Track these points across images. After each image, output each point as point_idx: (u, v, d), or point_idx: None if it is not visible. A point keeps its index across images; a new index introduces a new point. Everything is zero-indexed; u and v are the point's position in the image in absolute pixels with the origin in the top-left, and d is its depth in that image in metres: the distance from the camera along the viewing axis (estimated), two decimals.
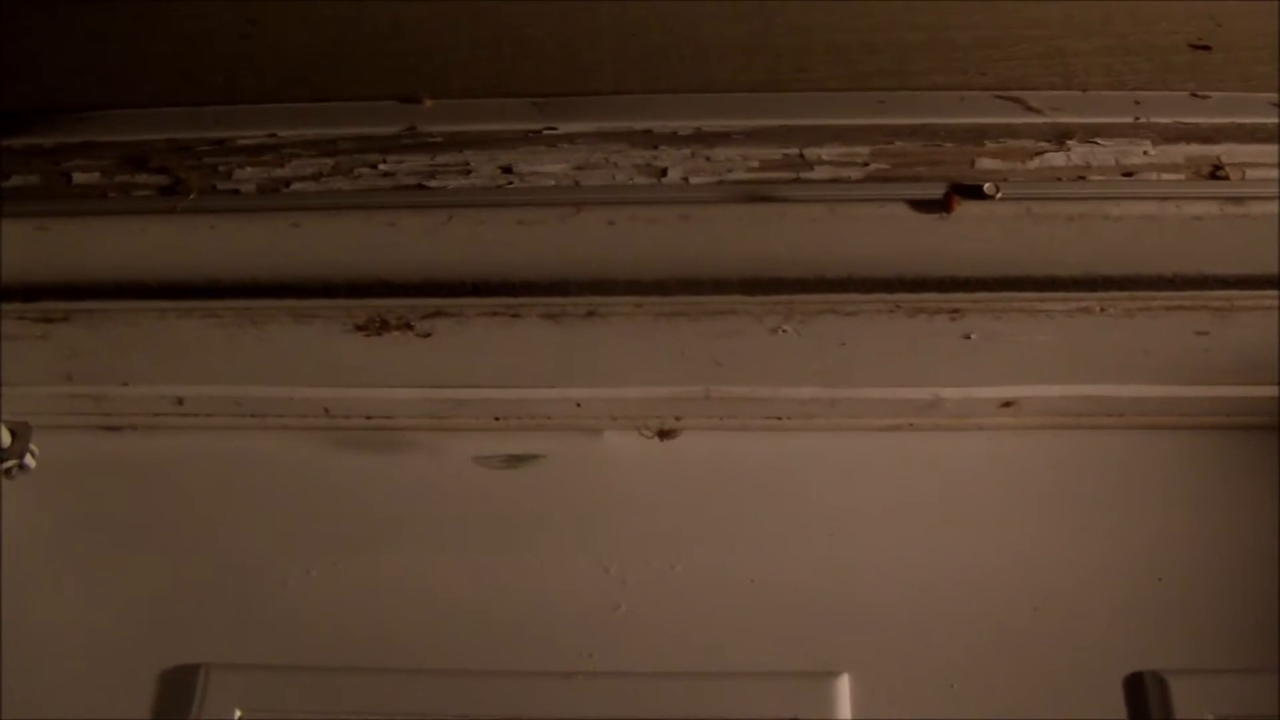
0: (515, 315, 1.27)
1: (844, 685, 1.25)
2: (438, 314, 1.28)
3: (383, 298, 1.26)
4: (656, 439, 1.37)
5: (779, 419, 1.39)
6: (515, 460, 1.40)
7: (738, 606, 1.32)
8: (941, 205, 1.15)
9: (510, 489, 1.40)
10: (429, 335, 1.30)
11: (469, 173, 1.18)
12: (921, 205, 1.16)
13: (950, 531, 1.34)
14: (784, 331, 1.26)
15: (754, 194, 1.17)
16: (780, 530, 1.35)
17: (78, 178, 1.20)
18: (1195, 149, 1.17)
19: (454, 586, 1.34)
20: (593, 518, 1.38)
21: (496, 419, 1.41)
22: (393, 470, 1.42)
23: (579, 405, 1.38)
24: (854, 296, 1.22)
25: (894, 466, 1.39)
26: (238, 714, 1.25)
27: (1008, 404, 1.36)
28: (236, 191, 1.19)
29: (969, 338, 1.27)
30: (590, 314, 1.26)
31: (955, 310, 1.24)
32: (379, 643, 1.31)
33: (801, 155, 1.17)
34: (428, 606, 1.33)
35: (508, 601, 1.33)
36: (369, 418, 1.42)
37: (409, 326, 1.30)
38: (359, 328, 1.31)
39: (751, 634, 1.30)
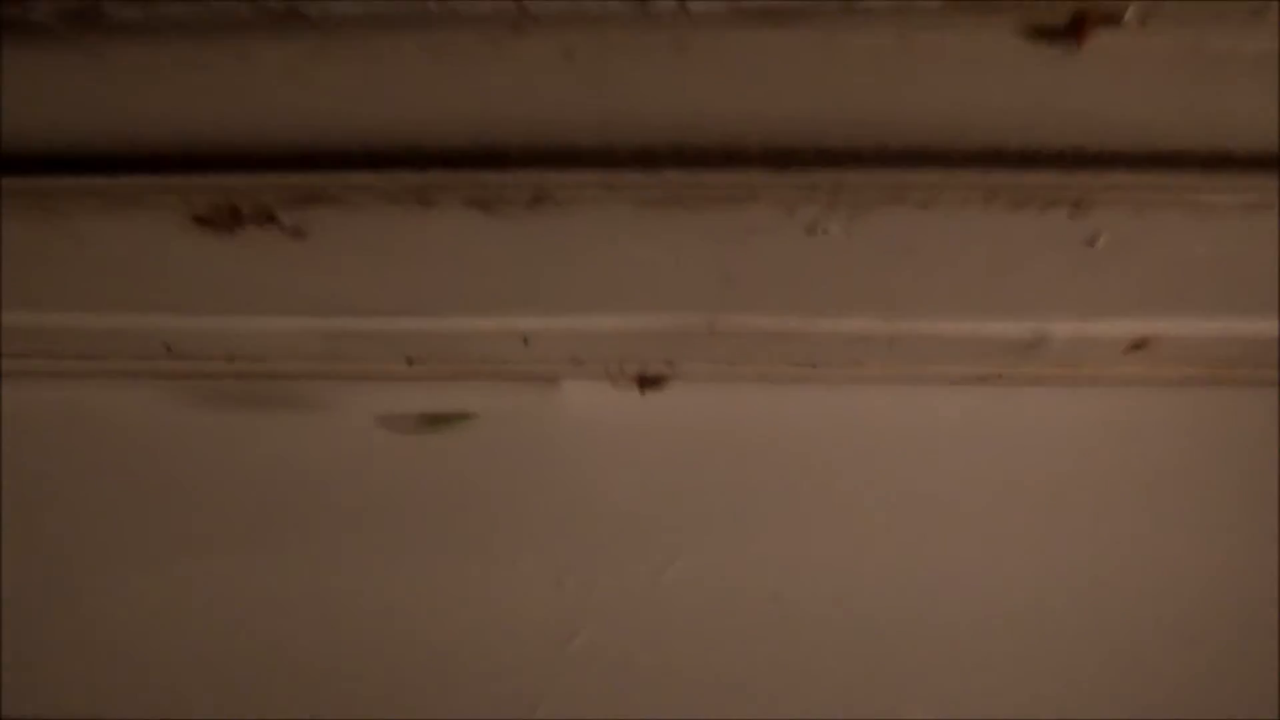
0: (427, 202, 0.89)
1: None
2: (313, 199, 0.90)
3: (231, 173, 0.88)
4: (636, 390, 1.00)
5: (813, 365, 1.02)
6: (436, 422, 1.04)
7: (753, 634, 0.98)
8: (1068, 34, 0.79)
9: (428, 463, 1.04)
10: (302, 234, 0.92)
11: None
12: (1037, 34, 0.79)
13: (1056, 526, 1.01)
14: (825, 231, 0.89)
15: (782, 14, 0.80)
16: (814, 525, 1.02)
17: None
18: None
19: (341, 603, 1.00)
20: (544, 505, 1.03)
21: (409, 361, 1.04)
22: (265, 436, 1.06)
23: (526, 342, 1.00)
24: (930, 176, 0.85)
25: (975, 435, 1.04)
26: None
27: (1139, 344, 1.00)
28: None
29: (1095, 244, 0.90)
30: (537, 199, 0.88)
31: (1078, 201, 0.87)
32: (231, 684, 0.97)
33: None
34: (301, 632, 0.99)
35: (420, 625, 0.99)
36: (230, 359, 1.05)
37: (272, 219, 0.92)
38: (200, 220, 0.92)
39: (772, 674, 0.96)
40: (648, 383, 0.99)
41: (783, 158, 0.86)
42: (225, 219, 0.92)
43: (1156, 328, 0.99)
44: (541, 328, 1.00)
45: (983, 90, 0.83)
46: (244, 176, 0.88)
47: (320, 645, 0.99)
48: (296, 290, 0.99)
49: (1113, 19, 0.79)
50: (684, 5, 0.77)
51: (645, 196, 0.88)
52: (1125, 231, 0.90)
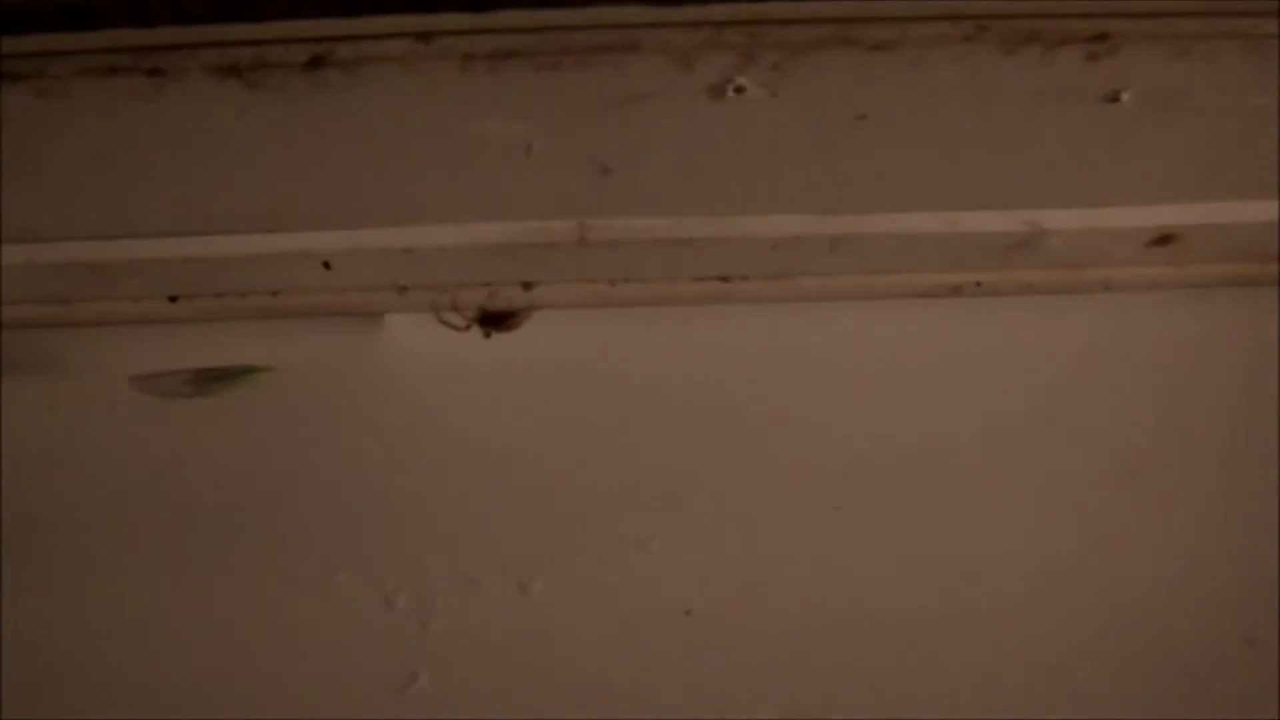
0: (156, 72, 0.62)
1: None
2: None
3: None
4: (478, 331, 0.74)
5: (724, 280, 0.76)
6: (211, 379, 0.76)
7: (660, 663, 0.73)
8: None
9: (203, 439, 0.76)
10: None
11: None
12: None
13: (1052, 468, 0.77)
14: (738, 90, 0.63)
15: None
16: (736, 504, 0.75)
17: None
18: None
19: (91, 635, 0.74)
20: (363, 493, 0.76)
21: (171, 298, 0.76)
22: None
23: (327, 266, 0.73)
24: (890, 4, 0.60)
25: (946, 362, 0.77)
26: None
27: (1164, 239, 0.75)
28: None
29: (1118, 99, 0.65)
30: (317, 62, 0.61)
31: (1101, 37, 0.61)
32: None
33: None
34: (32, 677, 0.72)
35: (199, 671, 0.73)
36: None
37: None
38: None
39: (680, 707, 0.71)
40: (495, 319, 0.71)
41: None
42: None
43: (1189, 215, 0.75)
44: (346, 247, 0.72)
45: None
46: None
47: (50, 685, 0.74)
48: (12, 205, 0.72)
49: None
50: None
51: (474, 49, 0.62)
52: (1157, 81, 0.66)
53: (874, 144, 0.68)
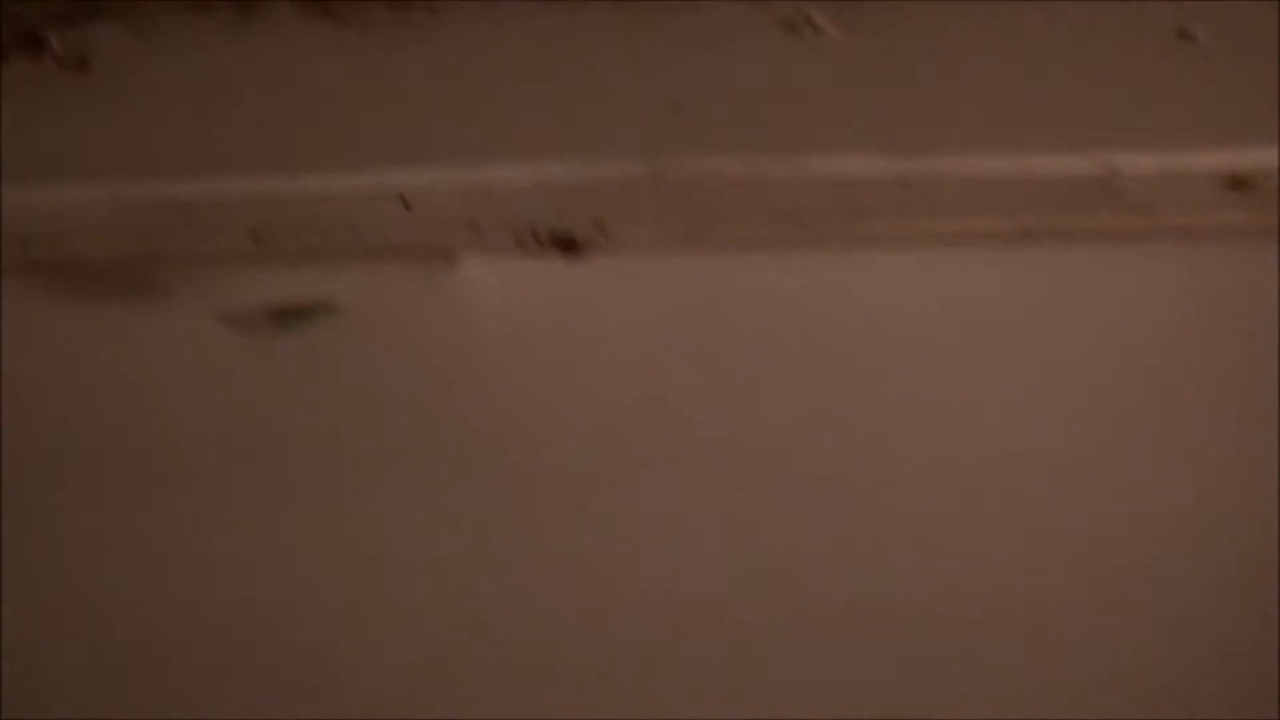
0: (244, 7, 0.66)
1: None
2: (92, 14, 0.66)
3: None
4: (554, 258, 0.75)
5: (796, 224, 0.77)
6: (290, 316, 0.80)
7: (720, 587, 0.76)
8: None
9: (282, 373, 0.79)
10: (85, 64, 0.69)
11: None
12: None
13: (1128, 421, 0.78)
14: (813, 28, 0.66)
15: None
16: (814, 452, 0.78)
17: None
18: None
19: (163, 563, 0.79)
20: (435, 426, 0.79)
21: (255, 239, 0.80)
22: (71, 340, 0.80)
23: (405, 204, 0.76)
24: None
25: (1018, 309, 0.78)
26: None
27: (1238, 183, 0.77)
28: None
29: (1189, 35, 0.67)
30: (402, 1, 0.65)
31: None
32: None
33: None
34: (116, 600, 0.78)
35: (268, 595, 0.78)
36: (24, 245, 0.78)
37: (37, 44, 0.68)
38: None
39: (751, 645, 0.76)
40: (568, 246, 0.75)
41: None
42: None
43: (1264, 160, 0.76)
44: (425, 184, 0.74)
45: None
46: None
47: (138, 617, 0.79)
48: (90, 144, 0.75)
49: None
50: None
51: None
52: (1233, 19, 0.67)
53: (944, 83, 0.70)
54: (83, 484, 0.80)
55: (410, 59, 0.70)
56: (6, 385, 0.81)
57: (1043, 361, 0.78)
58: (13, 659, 0.79)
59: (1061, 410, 0.78)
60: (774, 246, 0.79)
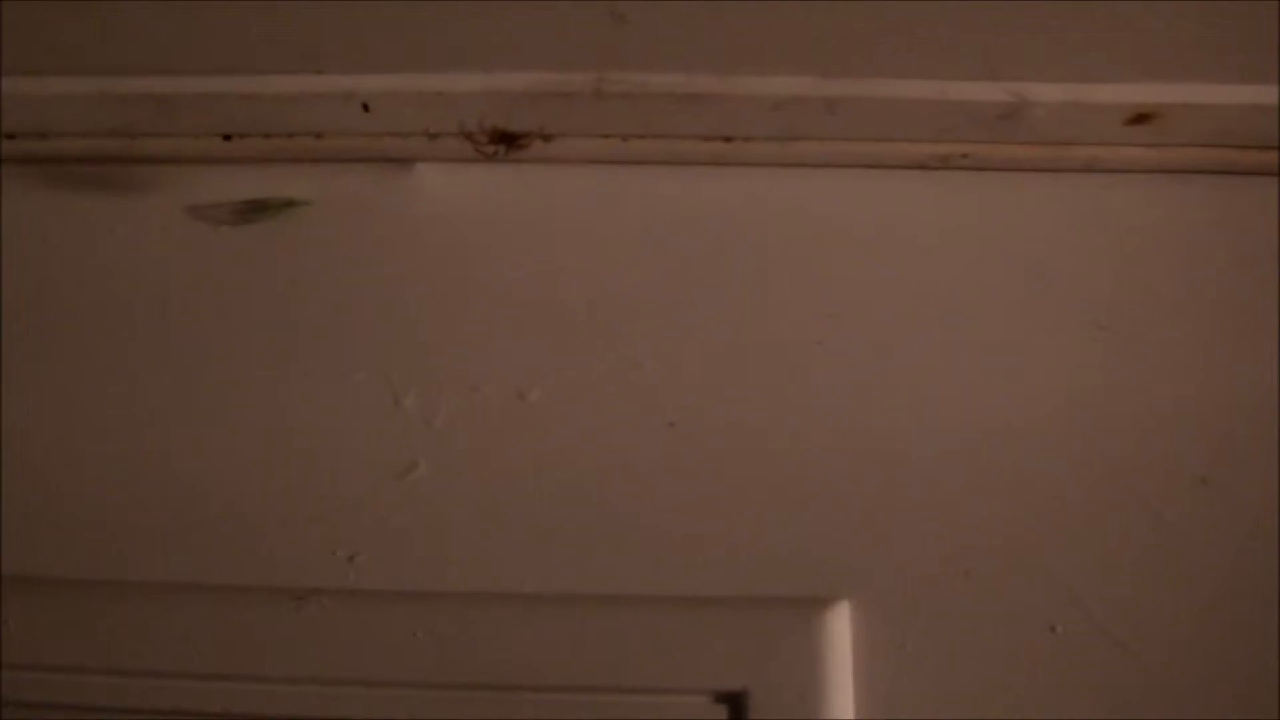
0: None
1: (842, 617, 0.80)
2: None
3: None
4: (493, 150, 0.81)
5: (728, 140, 0.83)
6: (256, 209, 0.85)
7: (640, 470, 0.81)
8: None
9: (246, 258, 0.85)
10: None
11: None
12: None
13: (1034, 341, 0.83)
14: None
15: None
16: (723, 340, 0.83)
17: None
18: None
19: (136, 419, 0.84)
20: (384, 309, 0.85)
21: (225, 136, 0.85)
22: (50, 229, 0.86)
23: (366, 108, 0.81)
24: None
25: (935, 231, 0.84)
26: None
27: (1141, 117, 0.81)
28: None
29: None
30: None
31: None
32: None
33: None
34: (87, 452, 0.83)
35: (225, 445, 0.83)
36: (10, 136, 0.85)
37: None
38: None
39: (662, 518, 0.80)
40: (508, 140, 0.80)
41: None
42: None
43: (1167, 93, 0.80)
44: (383, 89, 0.81)
45: None
46: None
47: (109, 469, 0.83)
48: (78, 35, 0.81)
49: None
50: None
51: None
52: None
53: (866, 3, 0.76)
54: (64, 348, 0.85)
55: None
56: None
57: (951, 270, 0.83)
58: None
59: (967, 327, 0.84)
60: (708, 162, 0.85)
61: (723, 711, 0.81)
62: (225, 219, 0.85)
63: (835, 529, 0.82)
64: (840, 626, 0.82)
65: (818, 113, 0.81)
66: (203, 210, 0.85)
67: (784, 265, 0.84)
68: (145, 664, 0.83)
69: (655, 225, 0.84)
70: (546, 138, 0.81)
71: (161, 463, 0.83)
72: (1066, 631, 0.82)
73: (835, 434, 0.83)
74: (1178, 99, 0.80)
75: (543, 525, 0.81)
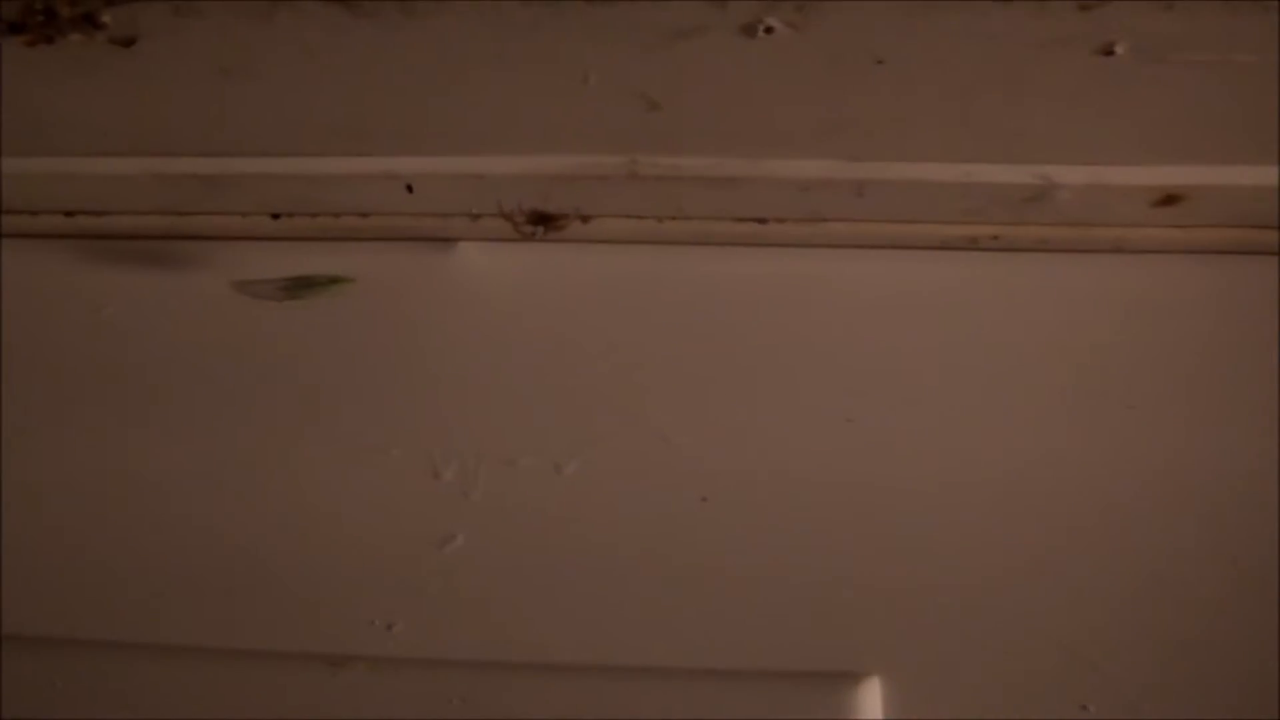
0: None
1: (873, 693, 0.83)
2: None
3: None
4: (532, 231, 0.83)
5: (761, 221, 0.85)
6: (302, 286, 0.88)
7: (674, 545, 0.82)
8: None
9: (293, 333, 0.88)
10: (133, 40, 0.78)
11: None
12: None
13: (1061, 424, 0.84)
14: (767, 29, 0.73)
15: None
16: (753, 415, 0.84)
17: None
18: None
19: (181, 489, 0.87)
20: (425, 384, 0.87)
21: (273, 215, 0.89)
22: (105, 302, 0.90)
23: (410, 189, 0.85)
24: None
25: (964, 311, 0.85)
26: None
27: (1169, 199, 0.82)
28: None
29: (1112, 52, 0.74)
30: None
31: None
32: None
33: None
34: (133, 520, 0.87)
35: (269, 515, 0.86)
36: (69, 214, 0.90)
37: (93, 21, 0.78)
38: (15, 28, 0.79)
39: (694, 592, 0.82)
40: (545, 220, 0.82)
41: None
42: (40, 22, 0.78)
43: (1195, 176, 0.81)
44: (426, 170, 0.84)
45: None
46: None
47: (154, 535, 0.86)
48: (133, 119, 0.84)
49: None
50: None
51: None
52: (1150, 32, 0.74)
53: (893, 89, 0.78)
54: (115, 419, 0.89)
55: (416, 48, 0.78)
56: (51, 337, 0.91)
57: (981, 348, 0.85)
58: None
59: (995, 405, 0.85)
60: (739, 244, 0.87)
61: None
62: (271, 295, 0.88)
63: (866, 604, 0.83)
64: (871, 702, 0.82)
65: (847, 195, 0.84)
66: (250, 286, 0.89)
67: (814, 343, 0.85)
68: None
69: (689, 303, 0.86)
70: (585, 218, 0.84)
71: (205, 529, 0.87)
72: (1098, 711, 0.82)
73: (865, 509, 0.84)
74: (1206, 180, 0.81)
75: (578, 597, 0.83)
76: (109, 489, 0.89)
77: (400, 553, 0.85)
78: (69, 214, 0.91)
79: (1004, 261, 0.85)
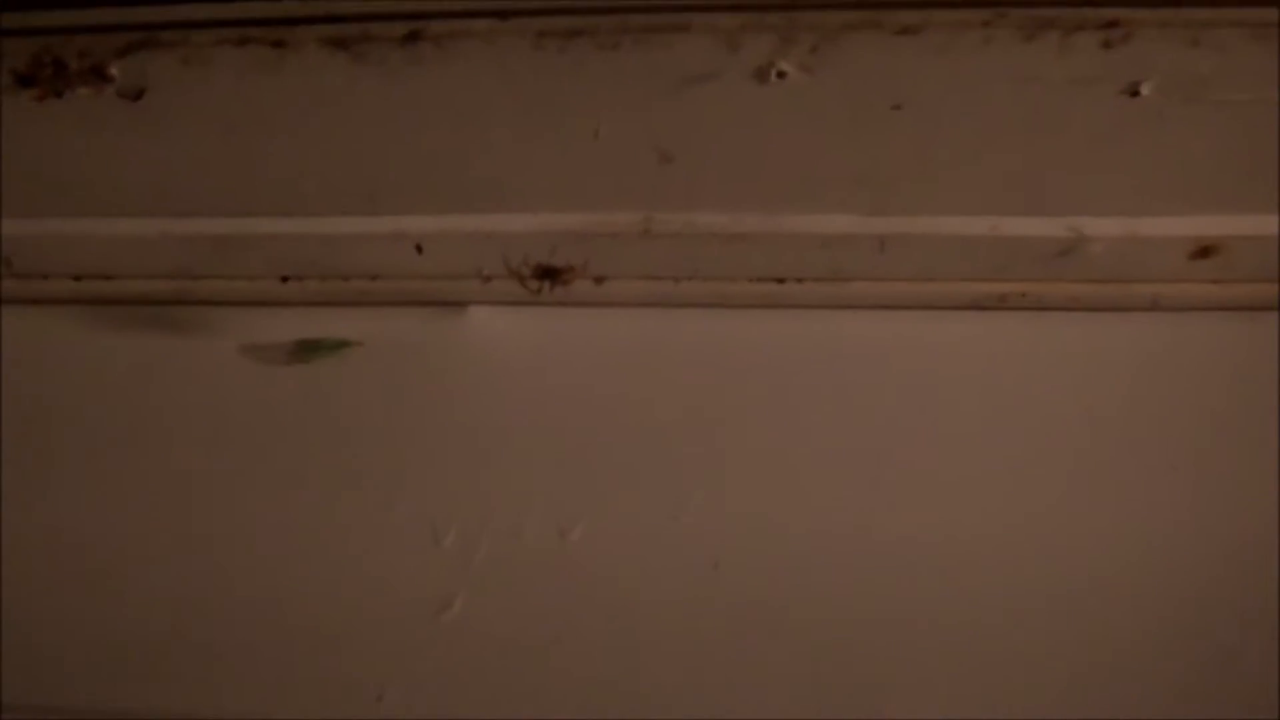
0: (279, 44, 0.74)
1: None
2: (143, 45, 0.75)
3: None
4: (540, 289, 0.80)
5: (779, 281, 0.83)
6: (309, 349, 0.87)
7: (684, 612, 0.79)
8: None
9: (297, 396, 0.86)
10: (141, 92, 0.78)
11: None
12: None
13: (1093, 489, 0.80)
14: (780, 75, 0.72)
15: None
16: (771, 479, 0.81)
17: None
18: None
19: (182, 549, 0.86)
20: (427, 448, 0.85)
21: (283, 278, 0.87)
22: (112, 366, 0.89)
23: (419, 250, 0.83)
24: None
25: (992, 373, 0.82)
26: None
27: (1204, 251, 0.79)
28: None
29: (1137, 93, 0.71)
30: (412, 37, 0.72)
31: (1113, 24, 0.68)
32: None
33: None
34: (138, 578, 0.86)
35: (267, 578, 0.84)
36: (77, 278, 0.89)
37: (102, 74, 0.78)
38: (25, 81, 0.79)
39: (705, 664, 0.78)
40: (552, 275, 0.80)
41: None
42: (49, 75, 0.78)
43: (1229, 226, 0.78)
44: (435, 230, 0.82)
45: None
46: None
47: (151, 600, 0.84)
48: (142, 176, 0.83)
49: None
50: None
51: (546, 27, 0.71)
52: (1181, 74, 0.71)
53: (911, 135, 0.75)
54: (120, 480, 0.88)
55: (422, 97, 0.76)
56: (62, 401, 0.90)
57: (1011, 411, 0.81)
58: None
59: (1026, 466, 0.81)
60: (757, 306, 0.84)
61: None
62: (279, 359, 0.86)
63: (881, 676, 0.79)
64: None
65: (868, 251, 0.81)
66: (257, 350, 0.87)
67: (834, 409, 0.82)
68: None
69: (703, 367, 0.84)
70: (598, 280, 0.82)
71: (202, 593, 0.85)
72: None
73: (884, 578, 0.80)
74: (1240, 231, 0.78)
75: (578, 665, 0.79)
76: (108, 554, 0.87)
77: (396, 618, 0.82)
78: (77, 278, 0.91)
79: (1034, 321, 0.81)
